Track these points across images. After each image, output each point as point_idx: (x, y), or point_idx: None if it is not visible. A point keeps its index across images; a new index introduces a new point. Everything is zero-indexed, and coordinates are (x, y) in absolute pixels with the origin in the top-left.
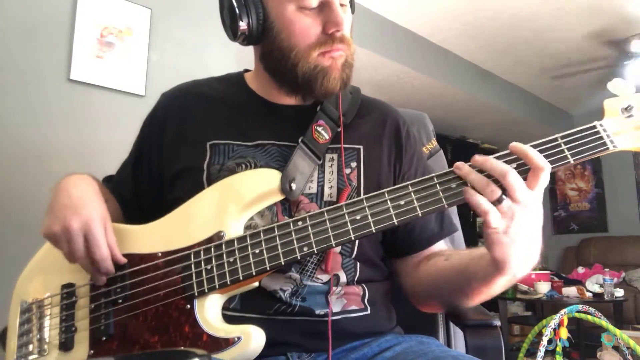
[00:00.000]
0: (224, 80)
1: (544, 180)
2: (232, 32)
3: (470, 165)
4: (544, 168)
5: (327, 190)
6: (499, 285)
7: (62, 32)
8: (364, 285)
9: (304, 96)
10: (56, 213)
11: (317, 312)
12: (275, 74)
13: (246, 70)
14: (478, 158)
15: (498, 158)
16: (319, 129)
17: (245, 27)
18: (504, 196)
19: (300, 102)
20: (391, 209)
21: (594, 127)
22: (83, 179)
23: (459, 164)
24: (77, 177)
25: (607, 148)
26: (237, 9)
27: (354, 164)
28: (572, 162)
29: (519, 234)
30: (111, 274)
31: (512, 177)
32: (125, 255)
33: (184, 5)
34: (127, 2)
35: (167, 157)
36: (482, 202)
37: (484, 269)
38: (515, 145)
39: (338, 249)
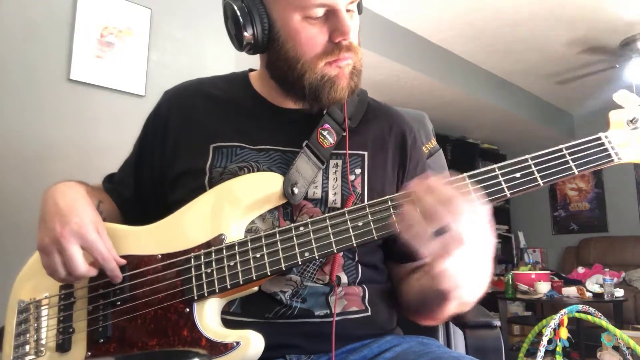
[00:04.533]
0: (229, 80)
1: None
2: (238, 42)
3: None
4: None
5: (331, 197)
6: (450, 310)
7: (62, 32)
8: (364, 286)
9: (311, 104)
10: (47, 224)
11: (317, 313)
12: (281, 83)
13: (251, 70)
14: (432, 183)
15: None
16: (324, 132)
17: (251, 37)
18: (445, 229)
19: (307, 107)
20: (394, 216)
21: (599, 138)
22: (70, 187)
23: (412, 186)
24: (64, 185)
25: (612, 160)
26: (241, 19)
27: (358, 171)
28: (576, 173)
29: (462, 267)
30: (118, 276)
31: (456, 205)
32: (124, 257)
33: (184, 5)
34: (127, 2)
35: (170, 156)
36: (416, 236)
37: (435, 295)
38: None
39: (341, 252)
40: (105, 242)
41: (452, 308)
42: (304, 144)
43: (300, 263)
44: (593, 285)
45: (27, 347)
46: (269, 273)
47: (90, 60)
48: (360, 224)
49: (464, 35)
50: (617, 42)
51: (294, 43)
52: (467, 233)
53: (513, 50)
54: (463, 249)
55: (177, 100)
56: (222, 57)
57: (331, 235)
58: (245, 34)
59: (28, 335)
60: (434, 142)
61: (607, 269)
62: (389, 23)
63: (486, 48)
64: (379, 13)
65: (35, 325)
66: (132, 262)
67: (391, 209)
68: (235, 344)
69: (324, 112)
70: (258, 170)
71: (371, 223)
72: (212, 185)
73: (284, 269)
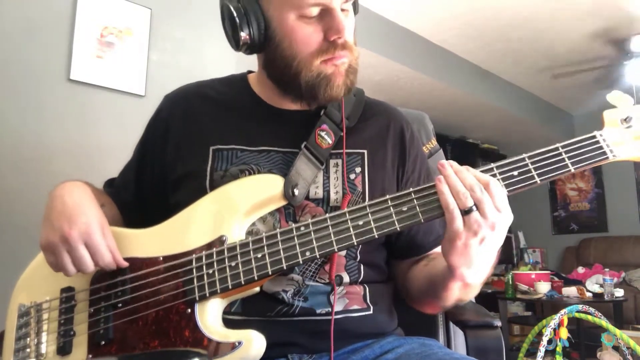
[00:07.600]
0: (228, 82)
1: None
2: (235, 42)
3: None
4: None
5: (332, 196)
6: (454, 290)
7: (62, 32)
8: (366, 285)
9: (308, 103)
10: (53, 223)
11: (319, 311)
12: (278, 82)
13: (249, 72)
14: (466, 168)
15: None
16: (322, 133)
17: (247, 37)
18: (474, 207)
19: (305, 107)
20: (394, 214)
21: (594, 137)
22: (77, 186)
23: (443, 163)
24: (71, 185)
25: (607, 157)
26: (237, 19)
27: (358, 169)
28: (572, 170)
29: (477, 249)
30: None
31: (493, 188)
32: (126, 259)
33: (184, 5)
34: (127, 2)
35: (171, 159)
36: (452, 206)
37: (442, 272)
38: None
39: (342, 252)
40: (110, 244)
41: (456, 289)
42: (303, 145)
43: (301, 262)
44: (593, 285)
45: (28, 351)
46: (270, 273)
47: (90, 60)
48: (360, 223)
49: (464, 35)
50: (617, 43)
51: (289, 42)
52: (493, 215)
53: (513, 50)
54: (486, 230)
55: (177, 104)
56: (222, 57)
57: (332, 235)
58: (242, 33)
59: (28, 339)
60: (434, 142)
61: (607, 269)
62: (389, 23)
63: (486, 48)
64: (379, 13)
65: (36, 329)
66: (134, 265)
67: (391, 208)
68: (237, 344)
69: (322, 113)
70: (259, 172)
71: (371, 222)
72: (213, 187)
73: (285, 268)
